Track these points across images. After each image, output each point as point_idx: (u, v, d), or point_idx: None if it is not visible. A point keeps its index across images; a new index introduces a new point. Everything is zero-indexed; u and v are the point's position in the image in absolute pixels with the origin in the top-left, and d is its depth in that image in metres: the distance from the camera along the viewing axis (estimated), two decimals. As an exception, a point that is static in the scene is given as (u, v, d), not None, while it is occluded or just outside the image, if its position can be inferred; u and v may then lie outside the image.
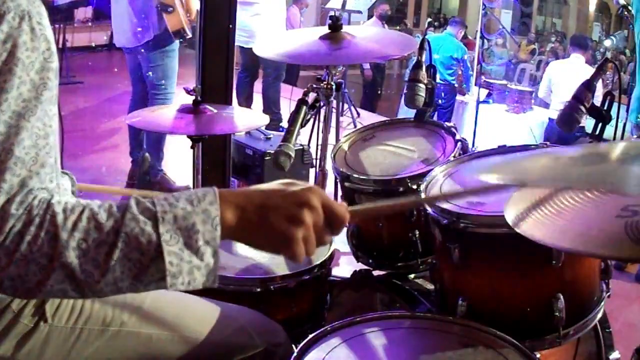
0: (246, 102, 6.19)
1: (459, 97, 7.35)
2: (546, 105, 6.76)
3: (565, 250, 1.27)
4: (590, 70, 6.31)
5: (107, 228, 0.86)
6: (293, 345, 1.34)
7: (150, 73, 4.05)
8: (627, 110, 3.95)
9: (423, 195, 1.55)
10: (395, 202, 1.33)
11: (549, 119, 6.17)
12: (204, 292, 1.37)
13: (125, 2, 3.96)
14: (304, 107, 1.81)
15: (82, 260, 0.85)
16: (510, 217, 1.16)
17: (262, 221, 0.93)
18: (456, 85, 7.12)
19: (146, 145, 4.23)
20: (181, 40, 4.03)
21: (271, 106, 6.17)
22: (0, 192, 0.84)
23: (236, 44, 5.54)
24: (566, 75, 6.02)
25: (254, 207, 0.94)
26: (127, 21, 3.99)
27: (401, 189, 1.73)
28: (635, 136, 3.96)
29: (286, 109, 6.02)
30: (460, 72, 7.10)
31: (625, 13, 4.19)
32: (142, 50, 4.02)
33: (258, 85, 6.37)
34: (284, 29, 6.13)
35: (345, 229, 1.97)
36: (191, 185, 2.48)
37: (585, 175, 0.96)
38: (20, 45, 0.86)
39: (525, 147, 1.74)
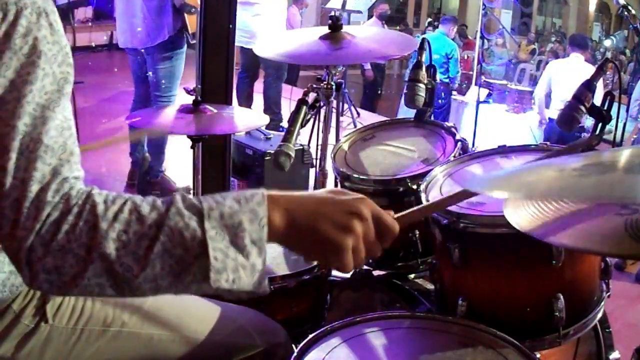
0: (246, 102, 6.19)
1: (459, 97, 7.36)
2: (547, 105, 6.76)
3: (565, 247, 1.27)
4: (590, 69, 6.35)
5: (150, 221, 0.84)
6: (293, 345, 1.34)
7: (155, 74, 4.03)
8: (627, 110, 3.96)
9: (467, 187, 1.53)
10: (441, 200, 1.28)
11: (549, 118, 6.17)
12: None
13: (140, 2, 3.91)
14: (304, 107, 1.81)
15: (122, 253, 0.82)
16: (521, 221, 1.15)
17: (312, 228, 0.91)
18: (451, 85, 7.12)
19: (148, 147, 4.23)
20: (195, 42, 4.00)
21: (272, 106, 6.17)
22: (33, 181, 0.82)
23: (237, 44, 5.56)
24: (566, 74, 6.00)
25: (305, 212, 0.92)
26: (138, 21, 3.94)
27: (401, 189, 1.73)
28: (635, 136, 3.96)
29: (286, 109, 6.02)
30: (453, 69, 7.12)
31: (626, 13, 4.19)
32: (151, 52, 3.97)
33: (258, 86, 6.37)
34: (285, 29, 6.13)
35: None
36: (191, 185, 2.48)
37: (592, 187, 0.95)
38: (42, 39, 0.85)
39: (525, 147, 1.75)
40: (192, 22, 3.89)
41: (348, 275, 1.91)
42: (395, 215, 1.02)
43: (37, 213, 0.81)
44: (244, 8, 5.88)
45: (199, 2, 3.84)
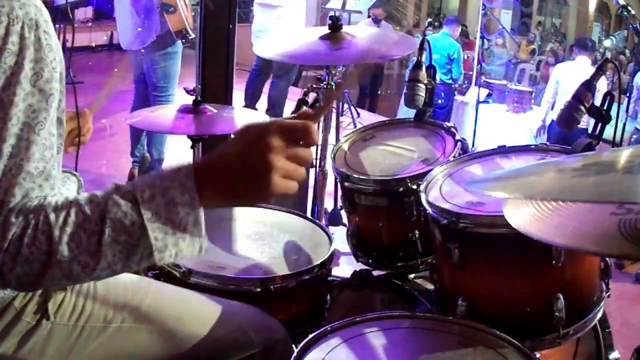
0: (252, 100, 6.19)
1: (459, 97, 7.35)
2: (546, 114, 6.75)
3: (559, 246, 1.27)
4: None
5: (94, 218, 0.90)
6: (293, 346, 1.34)
7: (151, 74, 4.05)
8: (627, 110, 3.96)
9: None
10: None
11: (552, 120, 6.17)
12: (205, 291, 1.38)
13: (129, 4, 3.95)
14: (304, 107, 1.81)
15: (77, 252, 0.89)
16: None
17: (238, 181, 0.94)
18: (454, 85, 7.12)
19: (147, 146, 4.23)
20: (184, 40, 4.02)
21: (275, 107, 6.16)
22: (8, 204, 0.89)
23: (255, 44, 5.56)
24: (573, 77, 5.99)
25: (225, 171, 0.95)
26: (130, 23, 3.97)
27: (401, 189, 1.73)
28: (635, 136, 3.97)
29: (287, 109, 6.02)
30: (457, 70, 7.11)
31: (625, 13, 4.19)
32: (146, 52, 4.01)
33: (267, 87, 6.37)
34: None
35: (345, 229, 1.98)
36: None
37: (592, 187, 0.95)
38: (27, 57, 0.88)
39: (525, 147, 1.75)
40: (172, 21, 3.91)
41: (348, 275, 1.91)
42: (310, 112, 1.03)
43: (5, 233, 0.89)
44: (265, 10, 5.89)
45: (178, 2, 3.87)
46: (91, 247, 0.90)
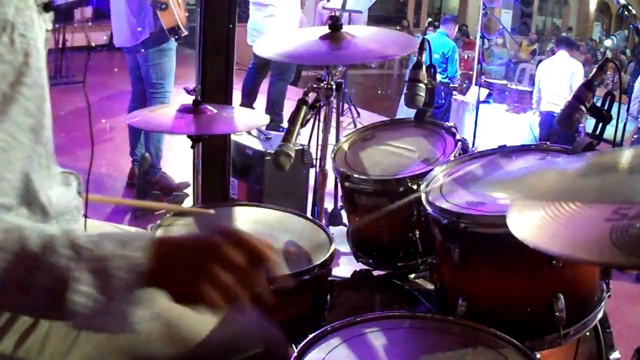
0: (249, 98, 6.19)
1: (459, 97, 7.35)
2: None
3: (553, 254, 1.26)
4: (574, 62, 6.70)
5: (29, 253, 0.82)
6: (293, 345, 1.34)
7: (147, 72, 4.06)
8: (627, 110, 3.96)
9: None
10: None
11: (541, 112, 6.31)
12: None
13: (123, 2, 3.97)
14: (304, 107, 1.81)
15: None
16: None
17: (174, 275, 0.89)
18: (452, 84, 7.12)
19: (145, 144, 4.24)
20: (176, 37, 4.03)
21: (274, 106, 6.16)
22: None
23: (250, 43, 5.57)
24: (552, 70, 6.40)
25: (171, 260, 0.90)
26: (124, 20, 4.00)
27: (401, 189, 1.73)
28: (636, 136, 3.96)
29: (287, 109, 6.02)
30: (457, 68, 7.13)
31: (626, 13, 4.19)
32: (140, 50, 4.03)
33: (264, 85, 6.37)
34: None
35: (344, 229, 1.97)
36: (191, 184, 2.47)
37: (594, 188, 0.94)
38: None
39: (525, 147, 1.75)
40: (165, 18, 3.92)
41: (348, 275, 1.91)
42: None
43: None
44: (258, 9, 5.89)
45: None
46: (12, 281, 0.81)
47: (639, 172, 0.92)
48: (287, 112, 3.93)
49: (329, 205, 2.57)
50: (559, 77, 6.22)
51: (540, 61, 12.20)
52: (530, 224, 1.08)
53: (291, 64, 5.85)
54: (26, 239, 0.83)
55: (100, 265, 0.85)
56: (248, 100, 6.08)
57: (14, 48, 0.87)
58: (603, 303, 1.49)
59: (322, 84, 1.94)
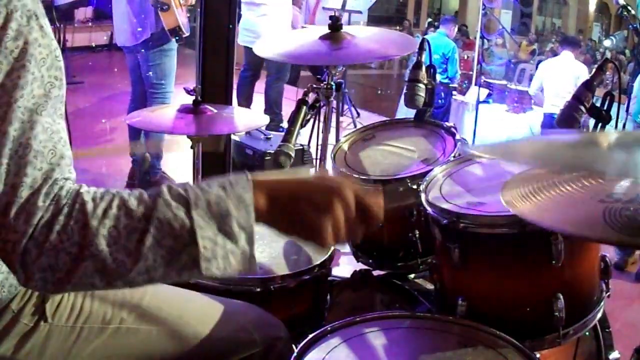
0: (246, 101, 6.19)
1: (459, 97, 7.35)
2: (540, 103, 6.81)
3: (546, 227, 1.27)
4: (579, 65, 6.58)
5: (139, 214, 0.85)
6: (293, 345, 1.34)
7: (147, 72, 4.06)
8: (627, 110, 3.96)
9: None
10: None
11: (544, 114, 6.28)
12: (205, 291, 1.38)
13: (124, 1, 3.97)
14: (304, 107, 1.81)
15: (114, 249, 0.84)
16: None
17: (293, 209, 0.94)
18: (452, 85, 7.12)
19: (145, 144, 4.24)
20: (177, 38, 4.03)
21: (272, 107, 6.17)
22: (23, 186, 0.83)
23: (242, 43, 5.57)
24: (557, 71, 6.29)
25: (287, 194, 0.95)
26: (126, 20, 4.01)
27: (401, 189, 1.73)
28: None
29: (287, 109, 6.01)
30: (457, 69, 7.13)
31: (625, 13, 4.20)
32: (141, 50, 4.03)
33: (259, 86, 6.37)
34: (290, 30, 6.13)
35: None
36: (191, 183, 2.47)
37: (572, 158, 0.98)
38: (32, 42, 0.86)
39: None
40: (166, 19, 3.93)
41: (348, 275, 1.91)
42: (385, 206, 1.03)
43: (29, 217, 0.82)
44: (250, 8, 5.89)
45: (171, 0, 3.88)
46: (130, 245, 0.84)
47: (618, 149, 0.95)
48: (286, 112, 3.94)
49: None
50: (563, 79, 6.09)
51: (540, 61, 12.21)
52: (528, 203, 1.11)
53: (286, 63, 5.85)
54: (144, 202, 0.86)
55: (218, 208, 0.87)
56: (245, 104, 6.08)
57: (45, 32, 0.88)
58: (602, 303, 1.49)
59: (322, 84, 1.95)
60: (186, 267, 0.87)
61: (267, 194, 0.93)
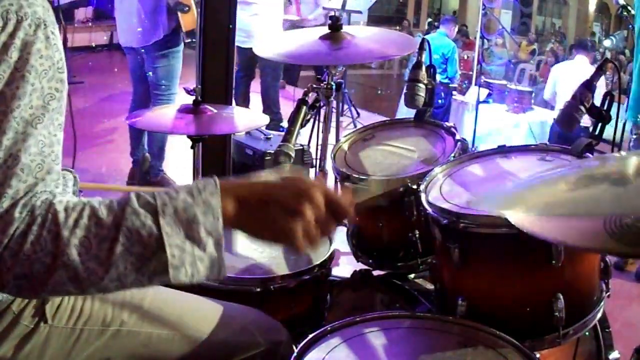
0: (243, 101, 6.19)
1: (459, 97, 7.35)
2: (545, 105, 6.78)
3: (548, 240, 1.27)
4: (593, 70, 6.43)
5: (108, 223, 0.87)
6: (293, 345, 1.34)
7: (153, 73, 4.05)
8: (626, 110, 3.96)
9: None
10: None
11: (554, 119, 6.19)
12: (205, 292, 1.38)
13: (135, 1, 3.94)
14: (304, 107, 1.81)
15: (85, 258, 0.85)
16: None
17: (262, 213, 0.94)
18: (452, 85, 7.12)
19: (147, 145, 4.23)
20: (193, 40, 4.02)
21: (271, 106, 6.17)
22: (5, 197, 0.85)
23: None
24: (572, 76, 6.07)
25: (255, 199, 0.95)
26: (136, 20, 3.97)
27: (401, 189, 1.73)
28: (634, 136, 3.96)
29: (287, 109, 6.01)
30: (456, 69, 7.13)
31: (625, 13, 4.20)
32: (148, 51, 4.00)
33: (254, 86, 6.37)
34: (282, 29, 6.13)
35: (345, 229, 1.97)
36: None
37: (610, 200, 0.96)
38: (35, 53, 0.87)
39: (525, 147, 1.75)
40: (186, 20, 3.91)
41: (348, 275, 1.91)
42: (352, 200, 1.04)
43: (6, 227, 0.84)
44: (242, 8, 5.87)
45: (192, 1, 3.87)
46: (101, 254, 0.86)
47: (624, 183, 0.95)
48: (286, 112, 3.94)
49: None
50: (577, 85, 5.99)
51: (540, 61, 12.21)
52: (526, 212, 1.10)
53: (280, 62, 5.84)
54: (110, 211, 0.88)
55: (185, 215, 0.89)
56: (243, 105, 6.07)
57: (50, 43, 0.89)
58: (602, 303, 1.49)
59: (322, 84, 1.95)
60: (156, 273, 0.89)
61: (236, 198, 0.93)
